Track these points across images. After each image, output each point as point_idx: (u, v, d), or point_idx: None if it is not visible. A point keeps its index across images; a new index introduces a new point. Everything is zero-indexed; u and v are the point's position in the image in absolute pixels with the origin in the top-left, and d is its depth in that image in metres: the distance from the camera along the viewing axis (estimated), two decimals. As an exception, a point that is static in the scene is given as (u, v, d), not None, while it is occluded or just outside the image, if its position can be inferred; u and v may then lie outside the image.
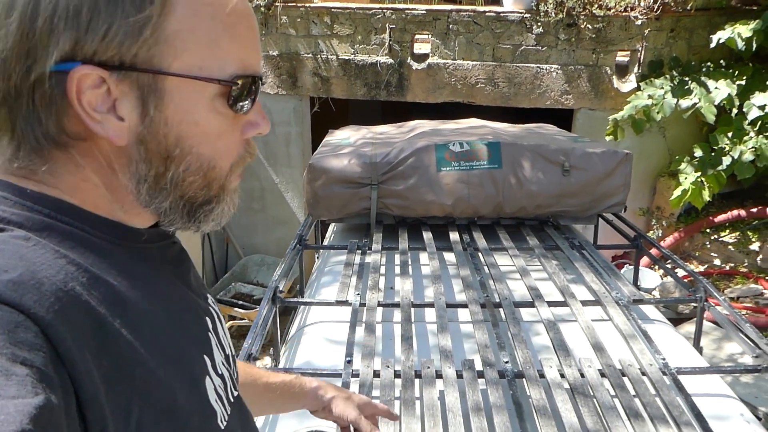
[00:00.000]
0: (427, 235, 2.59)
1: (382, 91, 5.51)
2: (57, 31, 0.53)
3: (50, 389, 0.44)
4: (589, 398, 1.50)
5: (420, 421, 1.43)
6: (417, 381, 1.58)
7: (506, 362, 1.65)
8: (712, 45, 4.73)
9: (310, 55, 5.52)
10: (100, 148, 0.59)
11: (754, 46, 4.53)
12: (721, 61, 5.04)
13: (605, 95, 5.24)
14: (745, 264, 5.26)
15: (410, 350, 1.69)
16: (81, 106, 0.55)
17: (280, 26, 5.46)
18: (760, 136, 4.57)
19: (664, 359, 1.68)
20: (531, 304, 1.99)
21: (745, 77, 4.72)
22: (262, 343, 1.79)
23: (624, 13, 4.95)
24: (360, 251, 2.49)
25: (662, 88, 4.77)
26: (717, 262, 5.38)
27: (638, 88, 5.02)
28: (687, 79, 4.83)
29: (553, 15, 5.00)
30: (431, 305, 1.98)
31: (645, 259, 5.23)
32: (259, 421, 1.63)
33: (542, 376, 1.60)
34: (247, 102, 0.63)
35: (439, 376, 1.58)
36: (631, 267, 4.82)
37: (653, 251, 2.83)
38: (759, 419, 1.84)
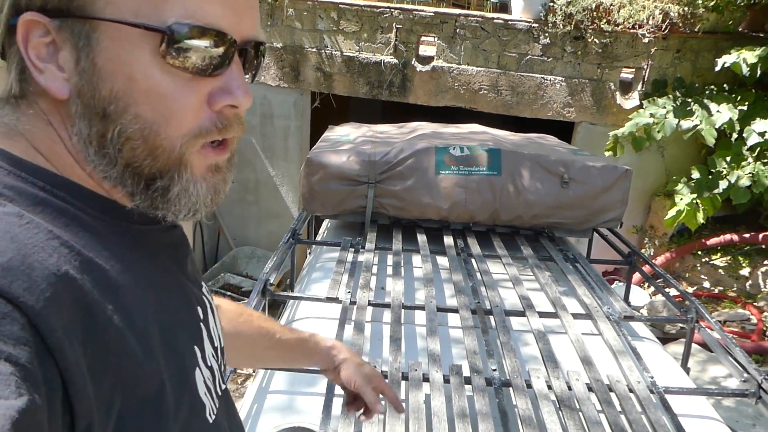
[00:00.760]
0: (422, 238, 2.58)
1: (384, 91, 5.50)
2: None
3: (34, 388, 0.42)
4: (575, 411, 1.48)
5: (405, 424, 1.41)
6: (403, 383, 1.56)
7: (494, 370, 1.64)
8: (717, 68, 4.75)
9: (314, 50, 5.50)
10: (57, 105, 0.56)
11: (759, 72, 4.55)
12: (725, 85, 5.06)
13: (607, 110, 5.25)
14: (734, 288, 5.27)
15: (398, 352, 1.67)
16: (27, 56, 0.54)
17: (286, 18, 5.44)
18: (758, 163, 4.59)
19: (652, 377, 1.67)
20: (522, 314, 1.98)
21: (747, 103, 4.74)
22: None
23: (632, 30, 4.96)
24: (353, 249, 2.47)
25: (664, 107, 4.78)
26: (706, 284, 5.40)
27: (641, 106, 5.03)
28: (690, 100, 4.85)
29: (561, 27, 5.00)
30: (422, 308, 1.96)
31: (635, 277, 5.25)
32: (241, 413, 1.61)
33: (529, 386, 1.59)
34: (203, 61, 0.55)
35: (426, 379, 1.57)
36: (621, 284, 4.83)
37: (646, 269, 2.83)
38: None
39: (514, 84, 5.28)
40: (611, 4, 4.96)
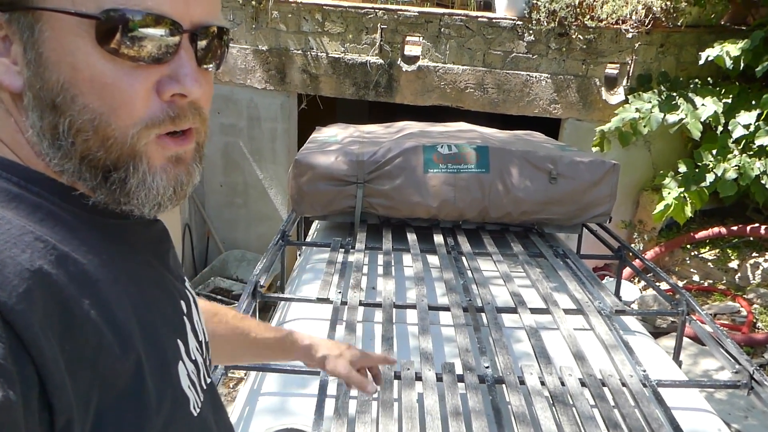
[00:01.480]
0: (412, 237, 2.57)
1: (370, 92, 5.49)
2: None
3: (9, 385, 0.41)
4: (568, 407, 1.48)
5: (397, 423, 1.40)
6: (396, 382, 1.55)
7: (486, 367, 1.63)
8: (701, 62, 4.78)
9: (299, 52, 5.48)
10: (15, 99, 0.56)
11: (742, 65, 4.58)
12: (709, 79, 5.10)
13: (593, 106, 5.27)
14: (724, 281, 5.31)
15: (390, 351, 1.66)
16: None
17: (270, 21, 5.42)
18: (744, 155, 4.61)
19: (644, 371, 1.67)
20: (513, 310, 1.97)
21: (731, 95, 4.77)
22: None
23: (615, 26, 4.99)
24: (343, 250, 2.46)
25: (650, 102, 4.80)
26: (696, 278, 5.43)
27: (626, 101, 5.05)
28: (675, 94, 4.87)
29: (545, 24, 5.02)
30: (413, 307, 1.95)
31: (625, 272, 5.27)
32: (233, 416, 1.59)
33: (522, 382, 1.58)
34: (147, 48, 0.54)
35: (418, 378, 1.56)
36: (612, 279, 4.85)
37: (637, 263, 2.83)
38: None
39: (500, 82, 5.29)
40: (594, 1, 4.98)
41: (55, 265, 0.50)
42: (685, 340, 4.43)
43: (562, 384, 1.57)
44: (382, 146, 2.70)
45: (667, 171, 5.06)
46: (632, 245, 5.56)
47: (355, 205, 2.63)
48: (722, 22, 5.44)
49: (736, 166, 4.58)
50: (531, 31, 5.10)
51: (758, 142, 4.51)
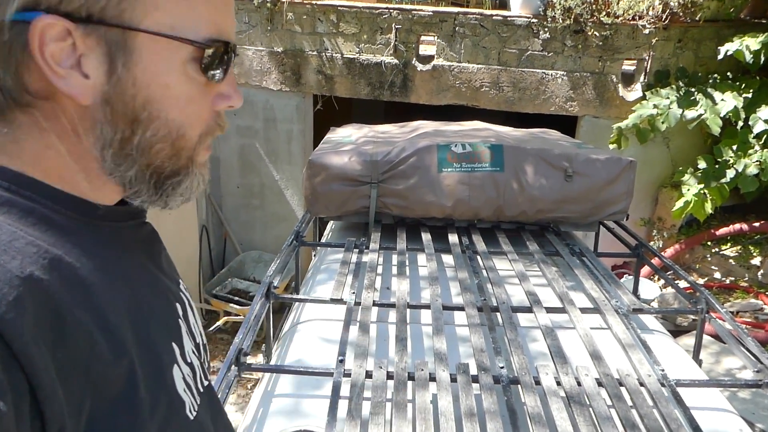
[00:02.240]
0: (426, 237, 2.56)
1: (385, 92, 5.48)
2: None
3: (0, 395, 0.41)
4: (585, 407, 1.46)
5: (411, 425, 1.40)
6: (410, 383, 1.54)
7: (502, 367, 1.61)
8: (720, 57, 4.70)
9: (314, 53, 5.49)
10: (64, 109, 0.55)
11: (762, 59, 4.49)
12: (728, 73, 5.01)
13: (610, 103, 5.21)
14: (746, 278, 5.22)
15: (404, 352, 1.65)
16: (44, 60, 0.52)
17: (285, 23, 5.44)
18: (765, 150, 4.53)
19: (663, 370, 1.64)
20: (529, 310, 1.95)
21: (751, 90, 4.69)
22: (253, 339, 1.75)
23: (632, 22, 4.93)
24: (357, 250, 2.45)
25: (668, 98, 4.74)
26: (717, 275, 5.35)
27: (644, 98, 4.99)
28: (693, 90, 4.80)
29: (561, 21, 4.97)
30: (427, 307, 1.94)
31: (644, 270, 5.20)
32: (247, 418, 1.60)
33: (538, 383, 1.56)
34: (219, 70, 0.61)
35: (432, 379, 1.55)
36: (631, 277, 4.79)
37: (655, 261, 2.80)
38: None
39: (516, 80, 5.26)
40: (611, -4, 4.93)
41: (48, 269, 0.50)
42: (706, 338, 4.37)
43: (579, 384, 1.55)
44: (396, 146, 2.69)
45: (687, 167, 4.99)
46: (651, 243, 5.50)
47: (370, 205, 2.62)
48: (741, 16, 5.35)
49: (757, 161, 4.50)
50: (546, 29, 5.06)
51: (780, 137, 4.43)
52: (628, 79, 5.20)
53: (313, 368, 1.67)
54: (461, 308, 1.94)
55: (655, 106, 4.71)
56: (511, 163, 2.63)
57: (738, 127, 4.71)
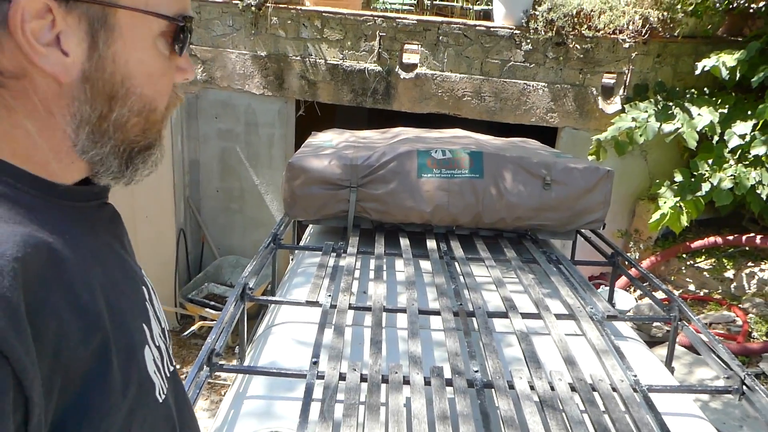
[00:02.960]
0: (404, 242, 2.56)
1: (368, 98, 5.49)
2: None
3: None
4: (558, 412, 1.46)
5: (384, 427, 1.39)
6: (383, 386, 1.53)
7: (476, 371, 1.61)
8: (697, 72, 4.79)
9: (298, 58, 5.48)
10: (37, 88, 0.54)
11: (738, 75, 4.59)
12: (705, 89, 5.11)
13: (590, 115, 5.27)
14: (719, 291, 5.30)
15: (379, 354, 1.65)
16: (24, 37, 0.51)
17: (269, 27, 5.43)
18: (740, 165, 4.62)
19: (635, 376, 1.65)
20: (504, 315, 1.96)
21: (727, 106, 4.78)
22: (226, 340, 1.73)
23: (612, 36, 5.00)
24: (335, 254, 2.44)
25: (646, 111, 4.81)
26: (692, 287, 5.42)
27: (623, 110, 5.06)
28: (671, 104, 4.88)
29: (543, 33, 5.03)
30: (403, 311, 1.94)
31: (621, 281, 5.25)
32: (218, 420, 1.57)
33: (512, 387, 1.56)
34: (182, 45, 0.63)
35: (406, 382, 1.54)
36: (608, 288, 4.84)
37: (632, 272, 2.82)
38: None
39: (498, 90, 5.30)
40: (591, 11, 4.99)
41: (21, 246, 0.48)
42: (680, 349, 4.42)
43: (552, 388, 1.56)
44: (376, 150, 2.69)
45: (663, 180, 5.06)
46: (629, 254, 5.55)
47: (348, 209, 2.61)
48: (719, 33, 5.46)
49: (731, 175, 4.58)
50: (529, 41, 5.11)
51: (754, 152, 4.51)
52: (608, 92, 5.27)
53: (286, 370, 1.66)
54: (437, 312, 1.94)
55: (633, 119, 4.78)
56: (491, 170, 2.65)
57: (714, 142, 4.79)
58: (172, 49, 0.62)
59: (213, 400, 4.52)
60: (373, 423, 1.36)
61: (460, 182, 2.63)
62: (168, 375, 0.70)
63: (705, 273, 5.36)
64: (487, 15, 5.67)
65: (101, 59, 0.56)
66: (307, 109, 5.85)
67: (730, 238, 5.22)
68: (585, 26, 5.01)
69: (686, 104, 4.85)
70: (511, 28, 5.14)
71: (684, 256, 5.48)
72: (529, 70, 5.21)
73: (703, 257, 5.45)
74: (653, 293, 2.41)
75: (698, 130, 4.67)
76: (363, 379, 1.54)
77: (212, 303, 5.42)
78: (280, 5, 5.34)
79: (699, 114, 4.74)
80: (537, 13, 5.04)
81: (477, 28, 5.20)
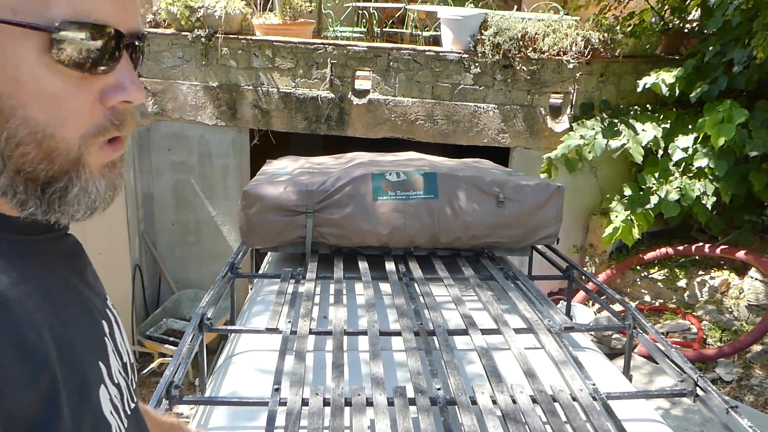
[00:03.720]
0: (363, 265, 2.56)
1: (322, 125, 5.52)
2: None
3: None
4: (520, 424, 1.47)
5: (348, 451, 1.37)
6: (347, 409, 1.52)
7: (438, 389, 1.61)
8: (639, 89, 4.99)
9: (250, 87, 5.49)
10: None
11: (677, 91, 4.80)
12: (648, 105, 5.31)
13: (540, 134, 5.41)
14: (674, 300, 5.45)
15: (341, 378, 1.64)
16: None
17: (220, 57, 5.42)
18: (684, 177, 4.80)
19: (594, 385, 1.68)
20: (465, 332, 1.97)
21: (669, 121, 4.98)
22: (185, 373, 1.70)
23: (557, 57, 5.16)
24: (294, 280, 2.43)
25: (593, 129, 4.97)
26: (647, 298, 5.56)
27: (571, 129, 5.21)
28: (616, 121, 5.06)
29: (490, 56, 5.16)
30: (364, 333, 1.93)
31: (580, 296, 5.35)
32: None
33: (474, 402, 1.57)
34: (96, 59, 0.53)
35: (369, 403, 1.53)
36: (566, 302, 4.91)
37: (589, 285, 2.88)
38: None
39: (449, 113, 5.39)
40: (536, 34, 5.16)
41: None
42: (639, 359, 4.51)
43: (514, 402, 1.57)
44: (331, 175, 2.70)
45: (614, 195, 5.21)
46: (585, 269, 5.67)
47: (306, 235, 2.61)
48: (657, 52, 5.70)
49: (677, 187, 4.76)
50: (477, 64, 5.24)
51: (696, 164, 4.70)
52: (556, 112, 5.43)
53: (248, 399, 1.63)
54: (398, 333, 1.94)
55: (581, 137, 4.93)
56: (445, 190, 2.68)
57: (659, 156, 4.97)
58: (82, 65, 0.52)
59: None
60: (338, 447, 1.35)
61: (415, 203, 2.65)
62: (129, 413, 0.67)
63: (659, 283, 5.51)
64: (436, 40, 5.80)
65: None
66: (262, 138, 5.83)
67: (681, 248, 5.39)
68: (530, 49, 5.17)
69: (631, 120, 5.03)
70: (459, 53, 5.27)
71: (638, 268, 5.63)
72: (479, 92, 5.33)
73: (657, 268, 5.61)
74: (610, 305, 2.46)
75: (643, 145, 4.85)
76: (326, 403, 1.53)
77: (171, 339, 5.29)
78: (230, 36, 5.35)
79: (643, 129, 4.92)
80: (484, 37, 5.18)
81: (426, 53, 5.30)
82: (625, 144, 4.85)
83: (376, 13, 7.16)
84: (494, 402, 1.57)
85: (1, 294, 0.50)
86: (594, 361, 1.98)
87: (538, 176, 4.88)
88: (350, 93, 5.42)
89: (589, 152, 4.87)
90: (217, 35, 5.32)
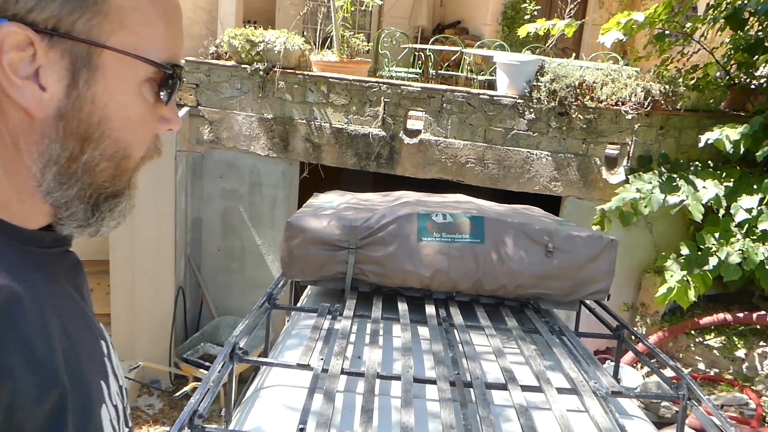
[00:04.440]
0: (402, 306, 2.48)
1: (372, 162, 5.52)
2: None
3: None
4: (559, 495, 1.36)
5: (370, 506, 1.28)
6: (372, 460, 1.43)
7: (472, 447, 1.51)
8: (701, 145, 4.80)
9: (303, 121, 5.55)
10: (7, 121, 0.52)
11: (742, 149, 4.59)
12: (709, 162, 5.11)
13: (594, 185, 5.27)
14: (730, 370, 5.12)
15: (369, 423, 1.55)
16: (1, 68, 0.49)
17: (276, 91, 5.53)
18: (747, 239, 4.55)
19: (642, 458, 1.54)
20: (504, 387, 1.86)
21: (732, 179, 4.76)
22: (211, 402, 1.64)
23: (615, 107, 5.05)
24: (331, 316, 2.36)
25: (650, 182, 4.80)
26: (701, 366, 5.25)
27: (627, 181, 5.05)
28: (675, 176, 4.87)
29: (546, 103, 5.09)
30: (398, 378, 1.84)
31: (628, 357, 5.10)
32: None
33: (510, 465, 1.46)
34: (169, 93, 0.60)
35: (397, 455, 1.44)
36: (613, 363, 4.69)
37: (639, 346, 2.72)
38: None
39: (501, 158, 5.32)
40: (594, 82, 5.07)
41: None
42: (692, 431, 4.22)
43: (553, 468, 1.45)
44: (376, 212, 2.65)
45: (669, 253, 4.99)
46: (635, 329, 5.42)
47: (346, 271, 2.55)
48: (721, 107, 5.52)
49: (739, 250, 4.51)
50: (532, 110, 5.17)
51: (761, 226, 4.46)
52: (612, 163, 5.28)
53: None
54: (433, 382, 1.85)
55: (638, 190, 4.76)
56: (492, 235, 2.60)
57: (720, 215, 4.75)
58: (158, 97, 0.60)
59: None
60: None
61: (460, 247, 2.57)
62: None
63: (715, 351, 5.20)
64: (491, 85, 5.78)
65: (80, 98, 0.54)
66: (312, 171, 5.88)
67: (741, 315, 5.10)
68: (587, 97, 5.08)
69: (690, 176, 4.84)
70: (514, 97, 5.22)
71: (692, 332, 5.34)
72: (533, 138, 5.25)
73: (713, 334, 5.31)
74: (661, 370, 2.30)
75: (703, 202, 4.64)
76: (351, 451, 1.45)
77: (207, 364, 5.28)
78: (288, 70, 5.46)
79: (704, 186, 4.72)
80: (540, 83, 5.12)
81: (481, 96, 5.27)
82: (684, 200, 4.66)
83: (432, 56, 7.22)
84: (531, 467, 1.46)
85: (15, 303, 0.49)
86: None
87: (590, 228, 4.72)
88: (401, 132, 5.42)
89: (646, 206, 4.69)
90: (275, 69, 5.43)
